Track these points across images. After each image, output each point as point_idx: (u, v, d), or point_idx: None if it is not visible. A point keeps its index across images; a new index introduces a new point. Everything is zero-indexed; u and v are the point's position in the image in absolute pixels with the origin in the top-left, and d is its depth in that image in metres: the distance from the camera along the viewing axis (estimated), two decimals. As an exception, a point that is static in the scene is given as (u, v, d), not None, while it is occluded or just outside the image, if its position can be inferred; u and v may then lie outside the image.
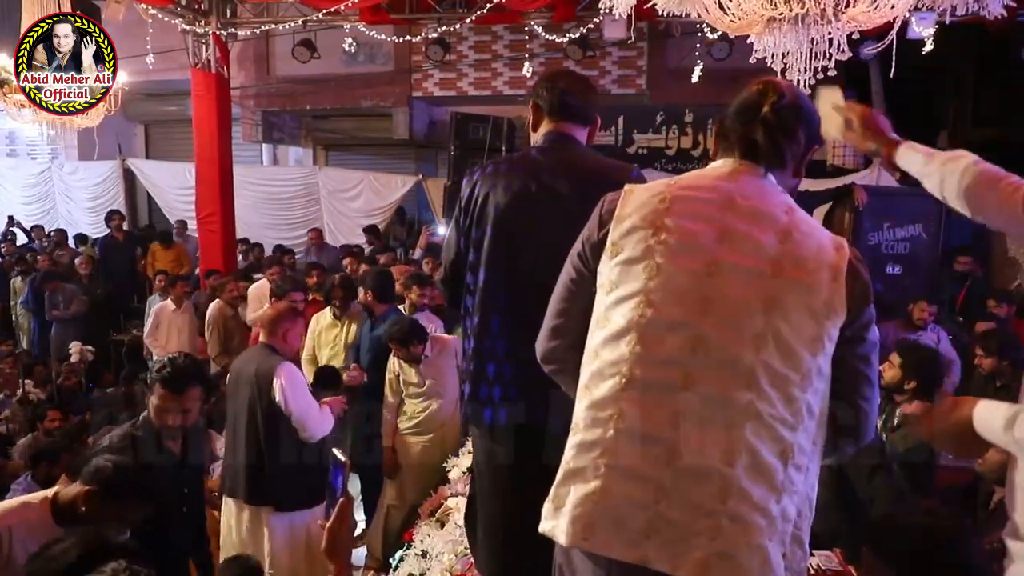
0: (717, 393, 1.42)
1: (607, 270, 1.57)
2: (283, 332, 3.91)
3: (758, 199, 1.54)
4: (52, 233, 10.91)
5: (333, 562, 1.67)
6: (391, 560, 3.50)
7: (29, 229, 11.35)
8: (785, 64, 3.68)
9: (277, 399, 3.68)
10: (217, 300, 6.88)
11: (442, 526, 3.48)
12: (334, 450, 1.80)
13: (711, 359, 1.44)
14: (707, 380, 1.43)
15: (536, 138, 2.28)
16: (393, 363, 4.74)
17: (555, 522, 1.49)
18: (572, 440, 1.52)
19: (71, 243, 10.66)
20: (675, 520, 1.39)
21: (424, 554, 3.19)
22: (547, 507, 1.53)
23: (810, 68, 3.64)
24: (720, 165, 1.61)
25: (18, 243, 10.96)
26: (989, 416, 1.56)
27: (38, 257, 9.74)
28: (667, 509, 1.40)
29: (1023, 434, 1.48)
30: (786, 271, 1.47)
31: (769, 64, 3.74)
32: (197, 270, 9.39)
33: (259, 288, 6.71)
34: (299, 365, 4.35)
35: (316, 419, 3.77)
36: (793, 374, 1.44)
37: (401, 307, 5.36)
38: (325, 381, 4.84)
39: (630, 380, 1.46)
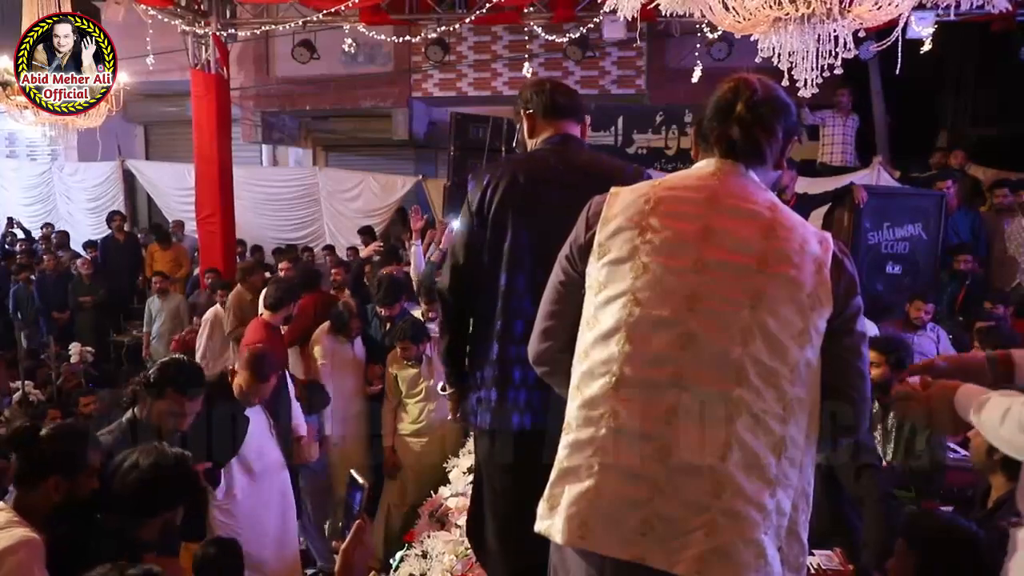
0: (707, 389, 1.44)
1: (595, 271, 1.58)
2: (247, 388, 3.59)
3: (741, 197, 1.56)
4: (54, 235, 10.91)
5: None
6: (391, 560, 3.50)
7: (33, 229, 11.35)
8: (791, 63, 3.67)
9: None
10: (238, 286, 6.80)
11: (442, 526, 3.49)
12: (352, 471, 1.81)
13: (700, 355, 1.45)
14: (696, 376, 1.44)
15: (536, 143, 2.26)
16: (391, 364, 4.75)
17: (550, 521, 1.50)
18: (565, 439, 1.53)
19: (80, 248, 10.61)
20: (670, 517, 1.40)
21: (424, 555, 3.19)
22: (542, 507, 1.53)
23: (816, 67, 3.63)
24: (703, 166, 1.63)
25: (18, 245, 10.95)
26: (966, 399, 1.60)
27: (44, 258, 9.74)
28: (662, 506, 1.41)
29: (984, 417, 1.54)
30: (771, 266, 1.49)
31: (775, 64, 3.73)
32: (197, 271, 9.40)
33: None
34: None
35: None
36: (782, 367, 1.45)
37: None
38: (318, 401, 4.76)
39: (621, 379, 1.47)
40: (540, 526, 1.53)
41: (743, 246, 1.50)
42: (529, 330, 1.86)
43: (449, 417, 2.45)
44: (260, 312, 5.27)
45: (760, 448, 1.42)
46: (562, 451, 1.53)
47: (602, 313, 1.54)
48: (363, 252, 8.55)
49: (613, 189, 1.65)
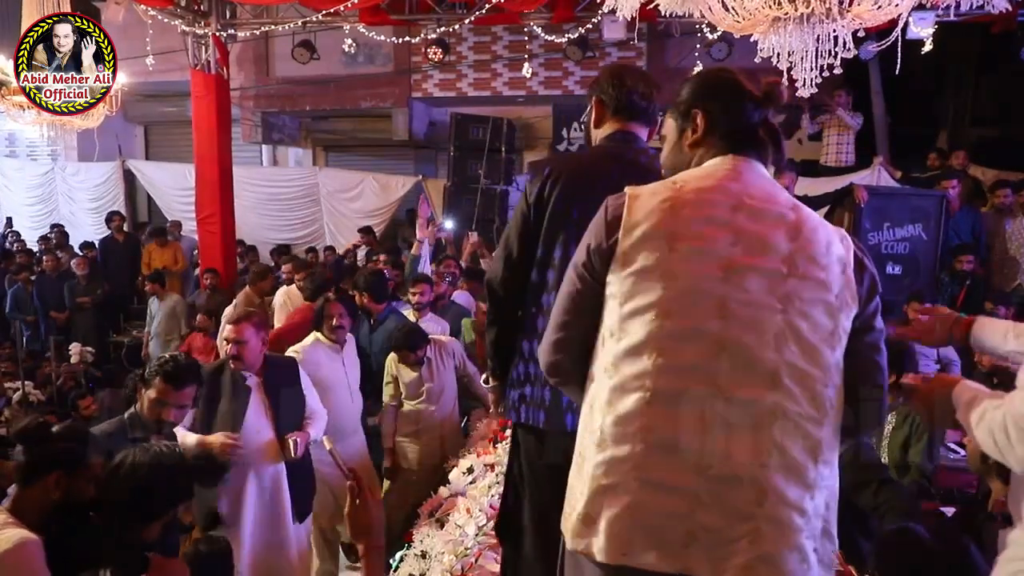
0: (742, 396, 1.42)
1: (618, 280, 1.52)
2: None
3: (764, 198, 1.53)
4: (52, 235, 10.91)
5: (360, 541, 1.71)
6: (391, 561, 3.50)
7: (37, 229, 11.34)
8: (790, 63, 3.67)
9: None
10: (247, 288, 6.94)
11: (441, 526, 3.48)
12: (323, 437, 1.83)
13: (734, 362, 1.43)
14: (732, 384, 1.42)
15: (599, 135, 2.23)
16: (391, 366, 4.74)
17: (590, 539, 1.47)
18: (601, 456, 1.48)
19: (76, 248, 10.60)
20: (713, 527, 1.39)
21: (424, 554, 3.19)
22: (575, 524, 1.49)
23: (815, 67, 3.63)
24: (719, 163, 1.59)
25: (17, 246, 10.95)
26: (958, 397, 1.67)
27: (43, 258, 9.74)
28: (703, 517, 1.39)
29: (971, 419, 1.61)
30: (800, 268, 1.48)
31: (775, 64, 3.73)
32: (197, 270, 9.40)
33: (286, 294, 6.49)
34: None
35: None
36: (815, 370, 1.45)
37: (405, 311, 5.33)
38: None
39: (655, 392, 1.44)
40: (577, 544, 1.49)
41: (771, 249, 1.48)
42: None
43: (491, 409, 2.41)
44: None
45: (798, 452, 1.42)
46: (598, 468, 1.48)
47: (629, 325, 1.49)
48: (339, 250, 8.55)
49: (630, 191, 1.58)
